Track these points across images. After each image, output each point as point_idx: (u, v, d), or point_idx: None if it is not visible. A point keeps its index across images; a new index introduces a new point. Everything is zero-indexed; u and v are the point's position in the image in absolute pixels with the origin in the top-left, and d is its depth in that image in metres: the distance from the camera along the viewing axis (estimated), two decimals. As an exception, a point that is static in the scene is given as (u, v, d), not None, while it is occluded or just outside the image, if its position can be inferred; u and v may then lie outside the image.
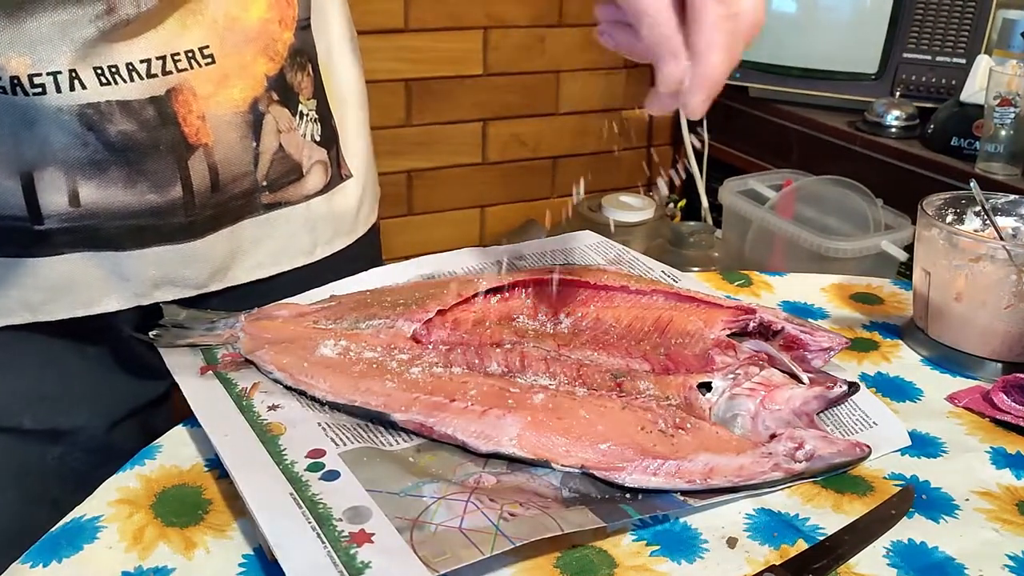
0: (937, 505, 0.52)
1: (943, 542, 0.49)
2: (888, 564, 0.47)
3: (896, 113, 1.60)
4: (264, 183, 0.69)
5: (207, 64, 0.63)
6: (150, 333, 0.61)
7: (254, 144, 0.67)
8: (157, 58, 0.60)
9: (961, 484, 0.54)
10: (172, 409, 0.78)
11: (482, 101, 1.87)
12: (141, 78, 0.60)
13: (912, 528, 0.50)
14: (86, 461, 0.69)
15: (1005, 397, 0.60)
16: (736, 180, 1.72)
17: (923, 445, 0.57)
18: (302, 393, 0.56)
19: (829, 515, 0.51)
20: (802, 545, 0.48)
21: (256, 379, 0.58)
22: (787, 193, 1.64)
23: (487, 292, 0.64)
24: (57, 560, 0.46)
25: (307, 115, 0.71)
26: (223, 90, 0.64)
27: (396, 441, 0.53)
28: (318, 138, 0.73)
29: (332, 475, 0.49)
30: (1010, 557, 0.48)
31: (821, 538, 0.49)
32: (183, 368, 0.58)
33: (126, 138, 0.61)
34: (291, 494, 0.47)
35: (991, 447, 0.58)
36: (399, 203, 1.87)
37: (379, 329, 0.60)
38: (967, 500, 0.53)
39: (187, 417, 0.56)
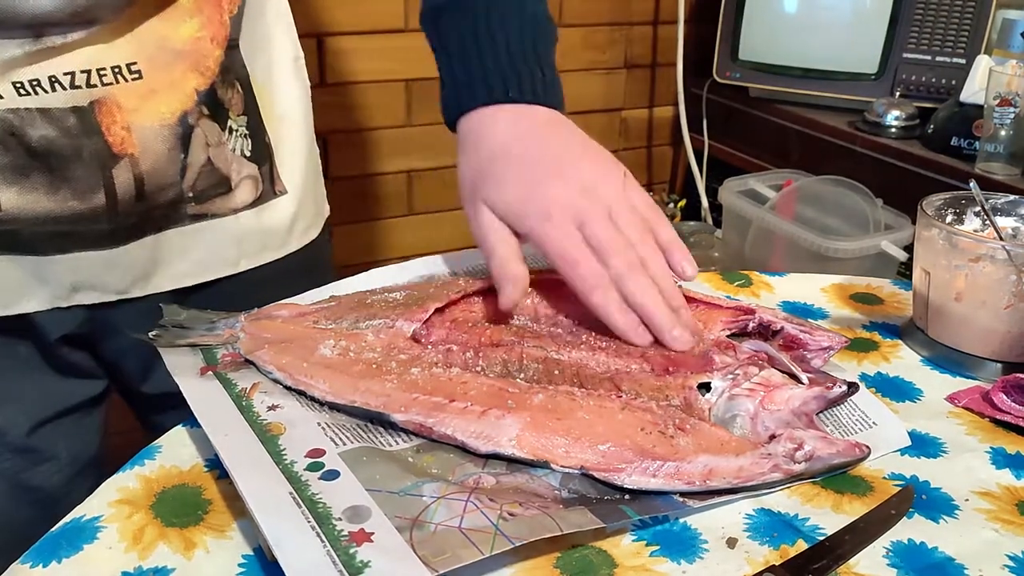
0: (937, 505, 0.52)
1: (943, 542, 0.49)
2: (888, 564, 0.47)
3: (896, 113, 1.60)
4: (190, 194, 0.69)
5: (134, 79, 0.63)
6: (150, 333, 0.61)
7: (182, 156, 0.67)
8: (82, 71, 0.60)
9: (961, 484, 0.54)
10: (109, 412, 0.78)
11: (482, 101, 1.87)
12: (64, 89, 0.60)
13: (912, 528, 0.50)
14: (14, 462, 0.69)
15: (1005, 397, 0.60)
16: (736, 180, 1.72)
17: (923, 445, 0.57)
18: (302, 393, 0.56)
19: (829, 515, 0.51)
20: (802, 545, 0.48)
21: (256, 379, 0.58)
22: (787, 193, 1.63)
23: (487, 292, 0.64)
24: (57, 560, 0.46)
25: (237, 131, 0.71)
26: (149, 104, 0.64)
27: (396, 441, 0.53)
28: (248, 153, 0.73)
29: (332, 474, 0.49)
30: (1010, 557, 0.48)
31: (821, 538, 0.49)
32: (183, 368, 0.58)
33: (48, 143, 0.61)
34: (291, 494, 0.47)
35: (991, 447, 0.58)
36: (399, 203, 1.87)
37: (379, 329, 0.60)
38: (967, 500, 0.53)
39: (188, 418, 0.56)
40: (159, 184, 0.66)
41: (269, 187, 0.75)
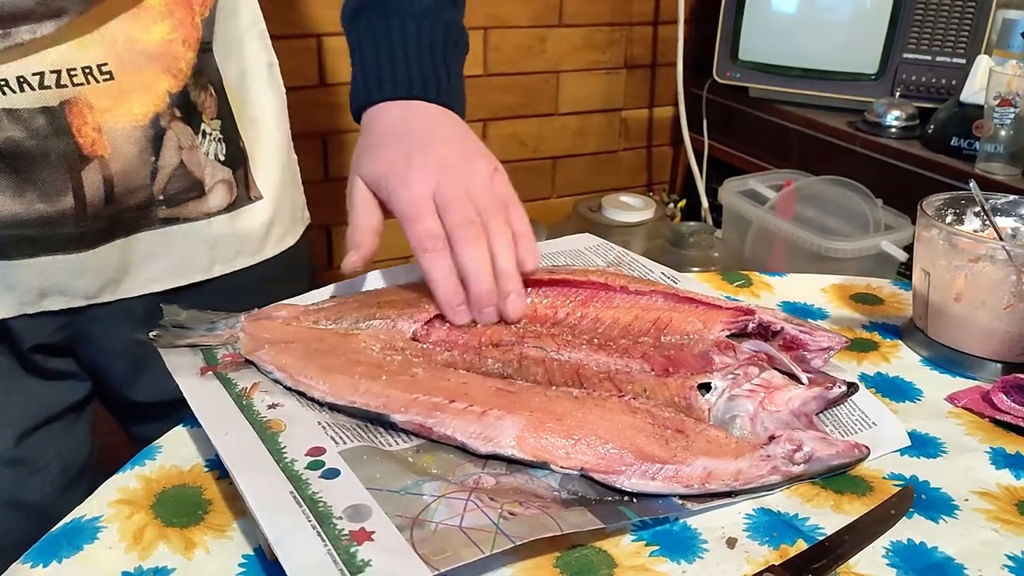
0: (937, 505, 0.52)
1: (943, 542, 0.49)
2: (888, 564, 0.47)
3: (896, 113, 1.60)
4: (161, 197, 0.69)
5: (105, 80, 0.62)
6: (150, 334, 0.61)
7: (153, 158, 0.67)
8: (51, 71, 0.60)
9: (960, 484, 0.54)
10: (96, 417, 0.77)
11: (482, 101, 1.87)
12: (33, 89, 0.60)
13: (912, 528, 0.50)
14: (3, 475, 0.68)
15: (1004, 397, 0.60)
16: (736, 180, 1.72)
17: (923, 445, 0.57)
18: (302, 394, 0.56)
19: (829, 515, 0.51)
20: (802, 545, 0.48)
21: (256, 379, 0.58)
22: (787, 193, 1.63)
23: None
24: (57, 560, 0.46)
25: (210, 134, 0.71)
26: (121, 105, 0.64)
27: (396, 441, 0.53)
28: (222, 157, 0.73)
29: (332, 473, 0.49)
30: (1009, 557, 0.48)
31: (821, 538, 0.49)
32: (183, 368, 0.58)
33: (14, 145, 0.60)
34: (291, 492, 0.47)
35: (990, 447, 0.58)
36: (399, 203, 1.87)
37: (379, 329, 0.60)
38: (966, 500, 0.53)
39: (188, 418, 0.56)
40: (129, 186, 0.66)
41: (244, 192, 0.75)
